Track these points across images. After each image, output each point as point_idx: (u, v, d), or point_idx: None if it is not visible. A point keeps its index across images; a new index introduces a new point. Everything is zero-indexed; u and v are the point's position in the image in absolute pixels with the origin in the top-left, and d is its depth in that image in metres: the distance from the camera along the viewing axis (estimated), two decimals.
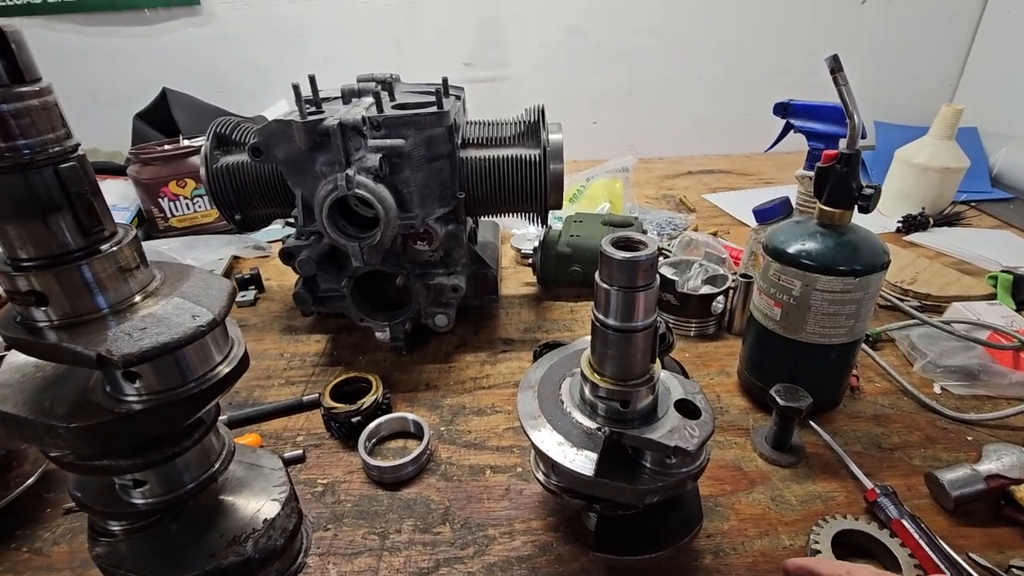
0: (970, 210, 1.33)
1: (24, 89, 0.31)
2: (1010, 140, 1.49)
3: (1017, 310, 0.88)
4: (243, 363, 0.39)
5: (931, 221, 1.23)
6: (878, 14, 1.69)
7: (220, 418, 0.73)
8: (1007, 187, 1.46)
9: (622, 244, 0.46)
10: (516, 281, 1.10)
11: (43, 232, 0.32)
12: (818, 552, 0.52)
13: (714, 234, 1.20)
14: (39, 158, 0.31)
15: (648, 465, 0.49)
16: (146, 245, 1.17)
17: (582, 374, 0.51)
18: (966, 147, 1.27)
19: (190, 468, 0.42)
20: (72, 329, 0.33)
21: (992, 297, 0.94)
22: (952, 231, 1.23)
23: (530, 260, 1.05)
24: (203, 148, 0.86)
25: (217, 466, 0.44)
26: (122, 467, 0.38)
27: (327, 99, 0.83)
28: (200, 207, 1.28)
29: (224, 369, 0.38)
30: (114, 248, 0.35)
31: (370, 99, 0.80)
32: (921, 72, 1.76)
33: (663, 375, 0.53)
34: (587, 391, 0.51)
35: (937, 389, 0.77)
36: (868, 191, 0.61)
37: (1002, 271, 0.98)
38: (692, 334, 0.90)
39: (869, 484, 0.60)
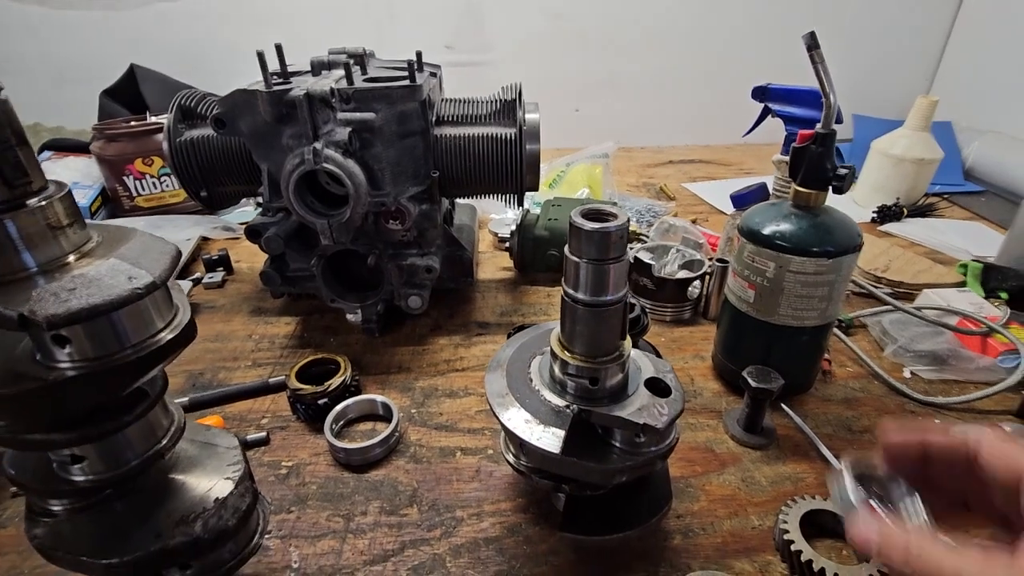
0: (943, 202, 1.35)
1: None
2: (983, 135, 1.51)
3: (986, 297, 0.89)
4: (187, 331, 0.37)
5: (905, 212, 1.25)
6: (857, 6, 1.70)
7: (182, 400, 0.71)
8: (979, 180, 1.48)
9: (592, 215, 0.45)
10: (493, 266, 1.08)
11: None
12: (786, 531, 0.52)
13: (693, 221, 1.19)
14: None
15: (618, 444, 0.48)
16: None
17: (552, 352, 0.50)
18: (941, 141, 1.29)
19: (133, 444, 0.39)
20: None
21: (962, 285, 0.95)
22: (925, 222, 1.24)
23: (507, 244, 1.03)
24: (166, 121, 0.83)
25: (164, 442, 0.41)
26: (56, 441, 0.35)
27: (296, 73, 0.80)
28: (168, 186, 1.23)
29: (166, 336, 0.35)
30: (43, 203, 0.32)
31: (340, 71, 0.77)
32: (898, 66, 1.78)
33: (634, 354, 0.52)
34: (556, 369, 0.50)
35: (907, 374, 0.77)
36: (842, 171, 0.61)
37: (972, 260, 1.00)
38: (668, 319, 0.90)
39: (838, 465, 0.59)
